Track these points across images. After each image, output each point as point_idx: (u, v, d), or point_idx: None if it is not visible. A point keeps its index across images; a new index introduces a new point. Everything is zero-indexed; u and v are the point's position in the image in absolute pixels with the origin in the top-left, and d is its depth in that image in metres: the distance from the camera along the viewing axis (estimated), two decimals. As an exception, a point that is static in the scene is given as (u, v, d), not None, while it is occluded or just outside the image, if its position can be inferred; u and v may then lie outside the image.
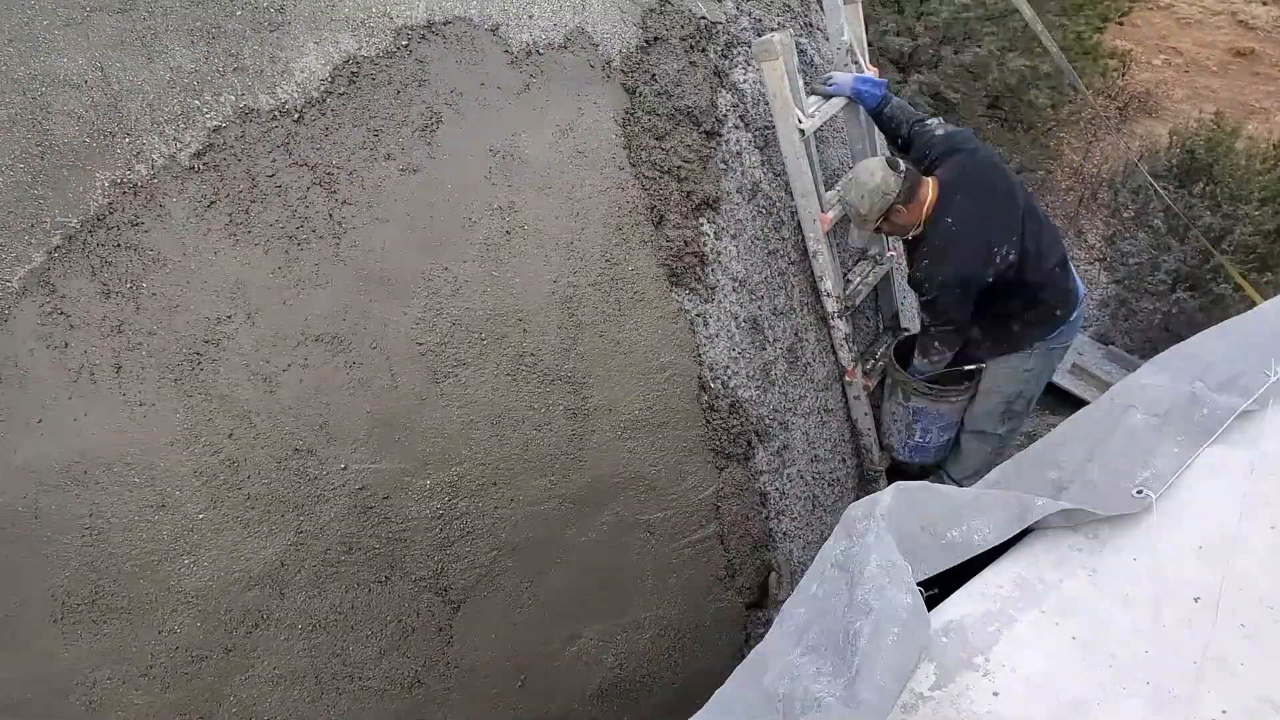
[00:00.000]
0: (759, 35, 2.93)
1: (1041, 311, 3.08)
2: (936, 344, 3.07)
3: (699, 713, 1.52)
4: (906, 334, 3.57)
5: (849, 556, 1.60)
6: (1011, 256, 2.89)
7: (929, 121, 3.03)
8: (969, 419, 3.36)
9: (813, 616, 1.57)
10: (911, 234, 2.97)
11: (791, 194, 2.92)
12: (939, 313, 2.99)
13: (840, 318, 3.10)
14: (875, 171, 2.83)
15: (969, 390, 3.29)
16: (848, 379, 3.25)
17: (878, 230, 3.01)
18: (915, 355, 3.18)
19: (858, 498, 3.35)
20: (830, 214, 2.96)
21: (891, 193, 2.82)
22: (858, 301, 3.19)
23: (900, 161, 2.88)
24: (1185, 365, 1.89)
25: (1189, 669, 1.40)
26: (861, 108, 3.11)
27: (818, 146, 3.04)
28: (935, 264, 2.90)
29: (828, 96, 3.01)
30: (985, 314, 3.05)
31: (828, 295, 3.06)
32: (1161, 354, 2.03)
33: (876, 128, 3.19)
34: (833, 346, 3.19)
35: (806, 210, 2.91)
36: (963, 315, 2.99)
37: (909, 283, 3.17)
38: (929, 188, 2.91)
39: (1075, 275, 3.22)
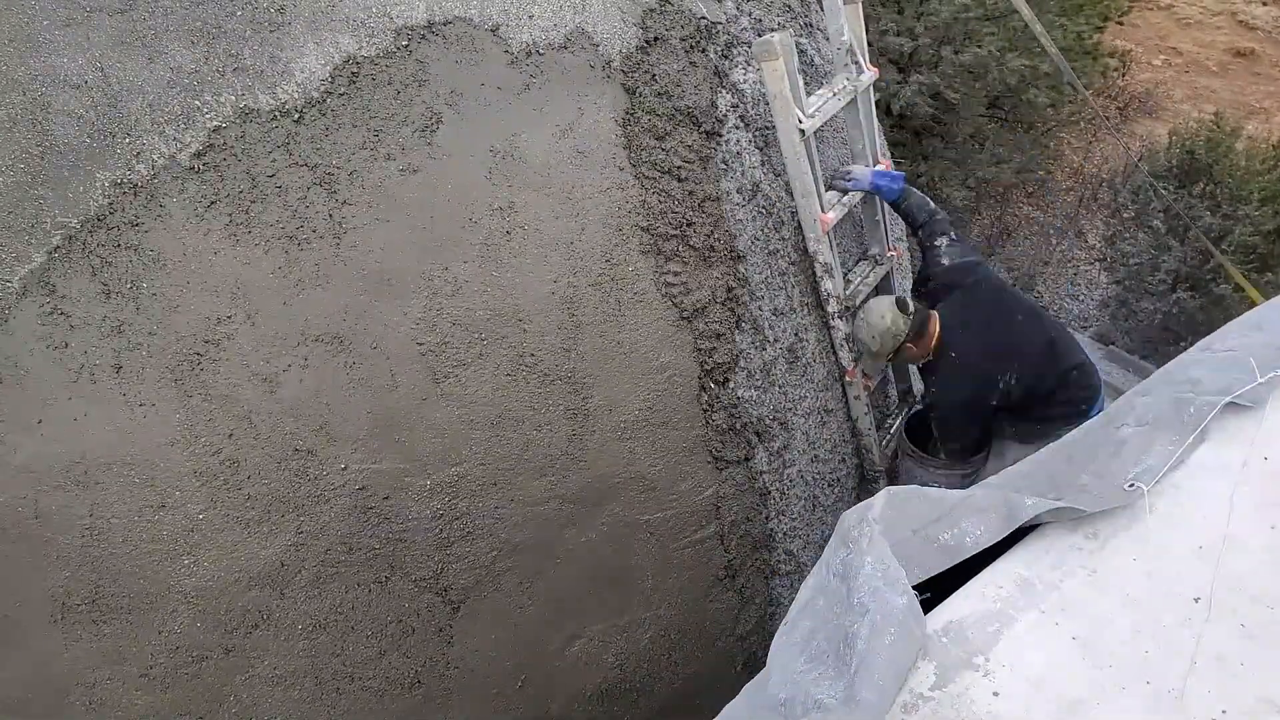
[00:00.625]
0: (759, 35, 2.93)
1: (1065, 408, 3.16)
2: (943, 455, 3.33)
3: None
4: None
5: (846, 564, 1.61)
6: (1014, 381, 3.08)
7: (938, 241, 3.20)
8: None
9: (816, 627, 1.58)
10: (922, 362, 3.25)
11: (791, 194, 2.92)
12: (947, 432, 3.24)
13: (840, 318, 3.10)
14: (885, 314, 3.04)
15: (965, 472, 3.37)
16: (848, 379, 3.25)
17: (888, 360, 3.25)
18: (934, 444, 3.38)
19: (858, 498, 3.37)
20: (830, 214, 2.96)
21: (901, 334, 3.05)
22: (858, 301, 3.19)
23: (909, 301, 3.11)
24: (1175, 386, 1.91)
25: (1188, 669, 1.40)
26: (861, 110, 3.12)
27: (818, 146, 3.04)
28: (942, 391, 3.19)
29: (845, 191, 3.14)
30: (1012, 415, 3.20)
31: (828, 295, 3.06)
32: (1151, 379, 2.05)
33: (878, 133, 3.20)
34: (833, 346, 3.19)
35: (806, 210, 2.91)
36: (970, 434, 3.22)
37: (923, 402, 3.45)
38: (935, 322, 3.12)
39: (1095, 369, 3.31)
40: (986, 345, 3.09)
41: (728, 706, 1.55)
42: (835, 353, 3.20)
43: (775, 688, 1.48)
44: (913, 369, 3.71)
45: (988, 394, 3.08)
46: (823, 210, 2.92)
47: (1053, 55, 3.82)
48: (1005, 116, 6.76)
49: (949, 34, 5.82)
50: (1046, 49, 3.76)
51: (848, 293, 3.13)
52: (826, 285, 3.04)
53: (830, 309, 3.09)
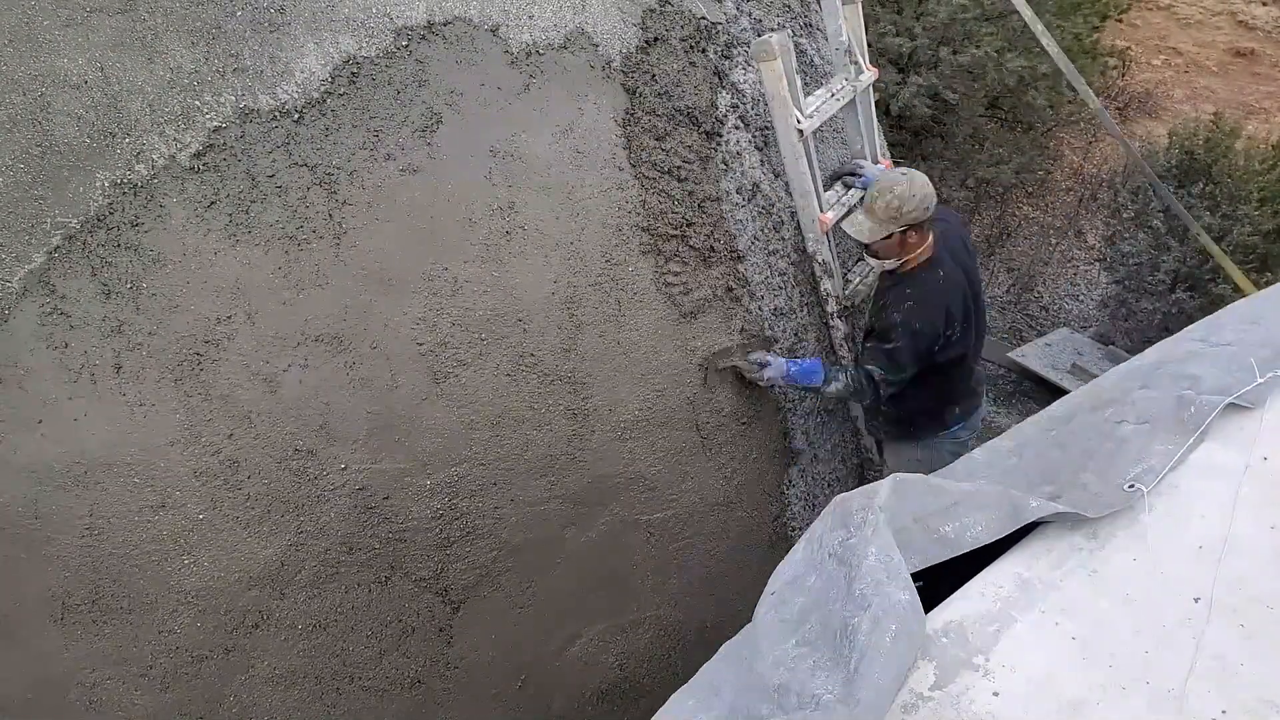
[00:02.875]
0: (759, 35, 2.93)
1: (943, 408, 3.07)
2: (870, 396, 2.89)
3: (685, 686, 1.52)
4: None
5: (847, 548, 1.61)
6: (952, 338, 2.84)
7: None
8: None
9: (810, 608, 1.58)
10: (890, 265, 2.87)
11: (791, 194, 2.92)
12: (895, 365, 2.80)
13: (840, 318, 3.10)
14: (928, 185, 2.72)
15: None
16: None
17: (869, 245, 2.83)
18: (837, 383, 2.85)
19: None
20: (830, 214, 2.96)
21: (930, 212, 2.72)
22: (858, 301, 3.20)
23: None
24: (1174, 382, 1.91)
25: (1189, 669, 1.40)
26: (860, 110, 3.12)
27: (817, 147, 3.04)
28: (914, 311, 2.78)
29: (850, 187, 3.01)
30: (893, 399, 2.91)
31: (827, 295, 3.06)
32: (1145, 358, 2.04)
33: (878, 133, 3.17)
34: (832, 346, 3.19)
35: (806, 210, 2.91)
36: (911, 372, 2.84)
37: (867, 333, 3.01)
38: (932, 235, 2.83)
39: (983, 383, 3.18)
40: (957, 282, 2.86)
41: (706, 665, 1.54)
42: (835, 352, 3.20)
43: (766, 670, 1.48)
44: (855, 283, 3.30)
45: (945, 331, 2.79)
46: (822, 210, 2.92)
47: (1054, 55, 3.82)
48: (1004, 117, 6.77)
49: (948, 34, 5.83)
50: (1048, 50, 3.76)
51: (847, 292, 3.14)
52: (826, 285, 3.04)
53: (830, 309, 3.09)
